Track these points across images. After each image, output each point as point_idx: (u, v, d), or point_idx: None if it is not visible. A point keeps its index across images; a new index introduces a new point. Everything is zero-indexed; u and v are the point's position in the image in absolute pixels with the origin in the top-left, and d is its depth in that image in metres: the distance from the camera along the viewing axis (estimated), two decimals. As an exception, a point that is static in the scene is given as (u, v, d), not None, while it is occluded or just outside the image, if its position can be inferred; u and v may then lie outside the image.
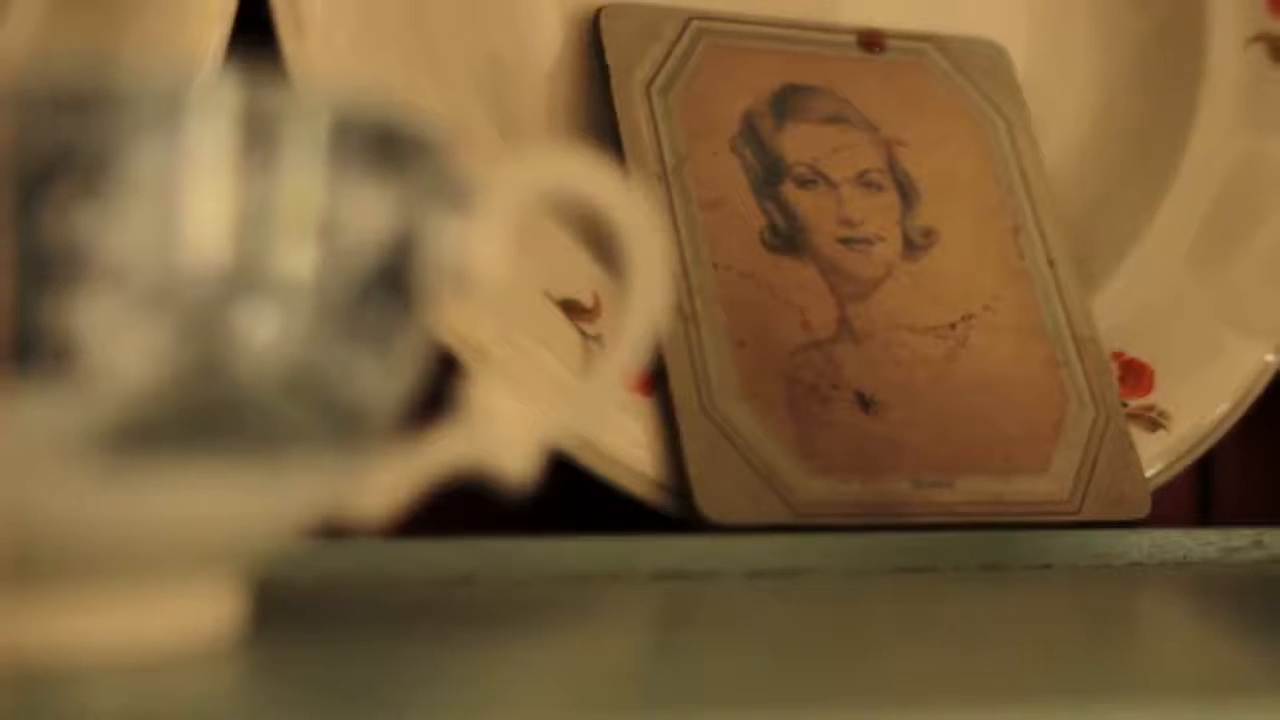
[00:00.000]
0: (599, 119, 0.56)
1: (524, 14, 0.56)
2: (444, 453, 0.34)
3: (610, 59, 0.55)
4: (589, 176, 0.33)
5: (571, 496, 0.54)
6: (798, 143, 0.57)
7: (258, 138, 0.29)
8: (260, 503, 0.30)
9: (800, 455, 0.52)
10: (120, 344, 0.27)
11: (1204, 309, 0.61)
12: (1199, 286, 0.62)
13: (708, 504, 0.50)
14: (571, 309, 0.51)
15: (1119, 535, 0.55)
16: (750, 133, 0.56)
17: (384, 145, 0.30)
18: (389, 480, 0.33)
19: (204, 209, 0.28)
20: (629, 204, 0.33)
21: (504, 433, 0.34)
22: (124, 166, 0.27)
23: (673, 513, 0.51)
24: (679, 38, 0.57)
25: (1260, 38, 0.63)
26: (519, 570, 0.47)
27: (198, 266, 0.28)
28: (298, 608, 0.38)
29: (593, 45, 0.56)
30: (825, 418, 0.52)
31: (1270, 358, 0.61)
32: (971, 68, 0.61)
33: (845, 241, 0.56)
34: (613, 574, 0.48)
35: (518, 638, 0.34)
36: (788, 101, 0.57)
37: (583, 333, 0.51)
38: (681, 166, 0.54)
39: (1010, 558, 0.53)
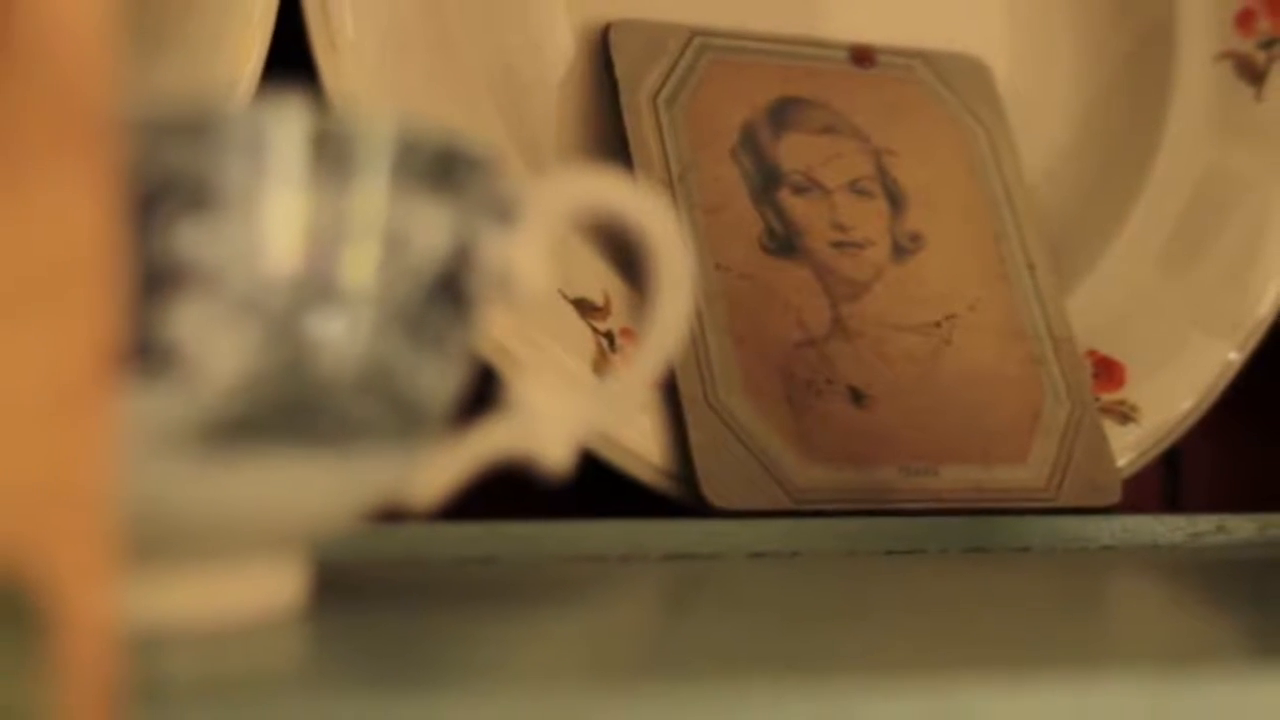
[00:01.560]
0: (607, 129, 0.58)
1: (538, 29, 0.58)
2: (489, 443, 0.37)
3: (619, 72, 0.57)
4: (620, 194, 0.36)
5: (586, 483, 0.56)
6: (793, 152, 0.59)
7: (332, 161, 0.32)
8: (330, 489, 0.33)
9: (797, 445, 0.54)
10: (215, 346, 0.30)
11: (1172, 310, 0.63)
12: (1168, 289, 0.63)
13: (712, 490, 0.52)
14: (584, 307, 0.54)
15: (1092, 520, 0.57)
16: (749, 142, 0.58)
17: (442, 166, 0.33)
18: (440, 469, 0.36)
19: (286, 225, 0.31)
20: (657, 220, 0.36)
21: (544, 425, 0.37)
22: (218, 188, 0.30)
23: (679, 498, 0.53)
24: (683, 52, 0.59)
25: (1228, 55, 0.65)
26: (539, 551, 0.49)
27: (280, 277, 0.31)
28: (351, 584, 0.41)
29: (602, 59, 0.58)
30: (820, 410, 0.55)
31: (1233, 356, 0.63)
32: (956, 82, 0.63)
33: (838, 245, 0.58)
34: (625, 555, 0.50)
35: (540, 611, 0.36)
36: (784, 113, 0.59)
37: (594, 329, 0.54)
38: (686, 174, 0.57)
39: (992, 541, 0.55)
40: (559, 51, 0.59)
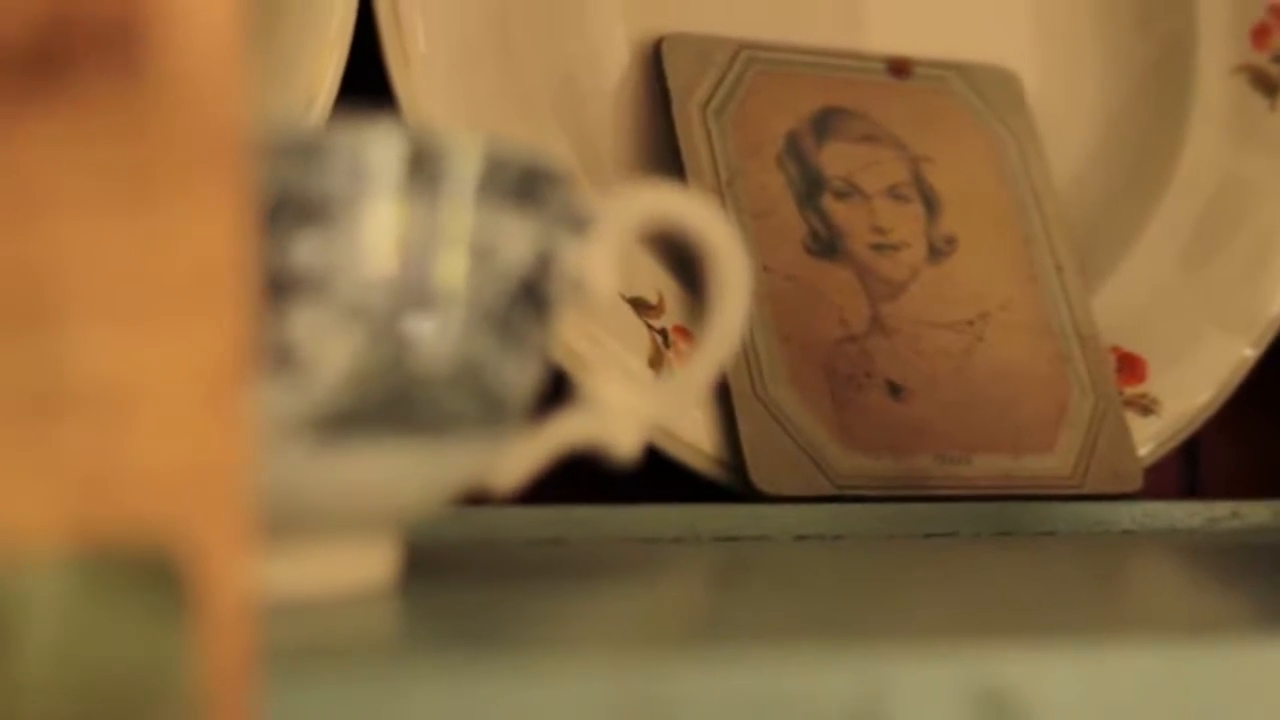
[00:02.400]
0: (659, 137, 0.61)
1: (595, 41, 0.61)
2: (565, 433, 0.39)
3: (671, 84, 0.60)
4: (685, 207, 0.39)
5: (644, 471, 0.59)
6: (835, 159, 0.61)
7: (428, 178, 0.34)
8: (424, 475, 0.36)
9: (839, 435, 0.57)
10: (326, 347, 0.33)
11: (1191, 308, 0.65)
12: (1187, 289, 0.65)
13: (759, 477, 0.55)
14: (639, 306, 0.56)
15: (1115, 506, 0.58)
16: (793, 150, 0.61)
17: (525, 182, 0.36)
18: (520, 456, 0.39)
19: (386, 237, 0.34)
20: (718, 231, 0.39)
21: (614, 417, 0.39)
22: (327, 204, 0.33)
23: (730, 485, 0.56)
24: (731, 65, 0.61)
25: (1244, 68, 0.67)
26: (602, 533, 0.52)
27: (381, 284, 0.34)
28: (436, 562, 0.44)
29: (655, 71, 0.61)
30: (860, 403, 0.57)
31: (1249, 351, 0.65)
32: (988, 92, 0.65)
33: (877, 248, 0.60)
34: (679, 537, 0.53)
35: (601, 588, 0.38)
36: (826, 122, 0.62)
37: (650, 327, 0.56)
38: (734, 180, 0.59)
39: (1020, 526, 0.57)
40: (615, 63, 0.61)
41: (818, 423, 0.56)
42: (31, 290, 0.28)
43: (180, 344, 0.28)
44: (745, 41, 0.62)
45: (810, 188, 0.60)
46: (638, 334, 0.56)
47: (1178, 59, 0.68)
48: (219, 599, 0.28)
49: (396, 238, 0.34)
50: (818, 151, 0.61)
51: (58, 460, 0.27)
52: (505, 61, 0.57)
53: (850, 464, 0.56)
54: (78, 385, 0.27)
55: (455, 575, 0.41)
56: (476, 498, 0.42)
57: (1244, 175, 0.66)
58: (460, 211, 0.35)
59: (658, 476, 0.58)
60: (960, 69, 0.65)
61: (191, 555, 0.28)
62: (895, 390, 0.58)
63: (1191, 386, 0.64)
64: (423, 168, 0.34)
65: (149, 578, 0.27)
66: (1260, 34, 0.67)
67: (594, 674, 0.29)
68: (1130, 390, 0.64)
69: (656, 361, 0.55)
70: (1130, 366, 0.64)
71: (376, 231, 0.34)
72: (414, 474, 0.35)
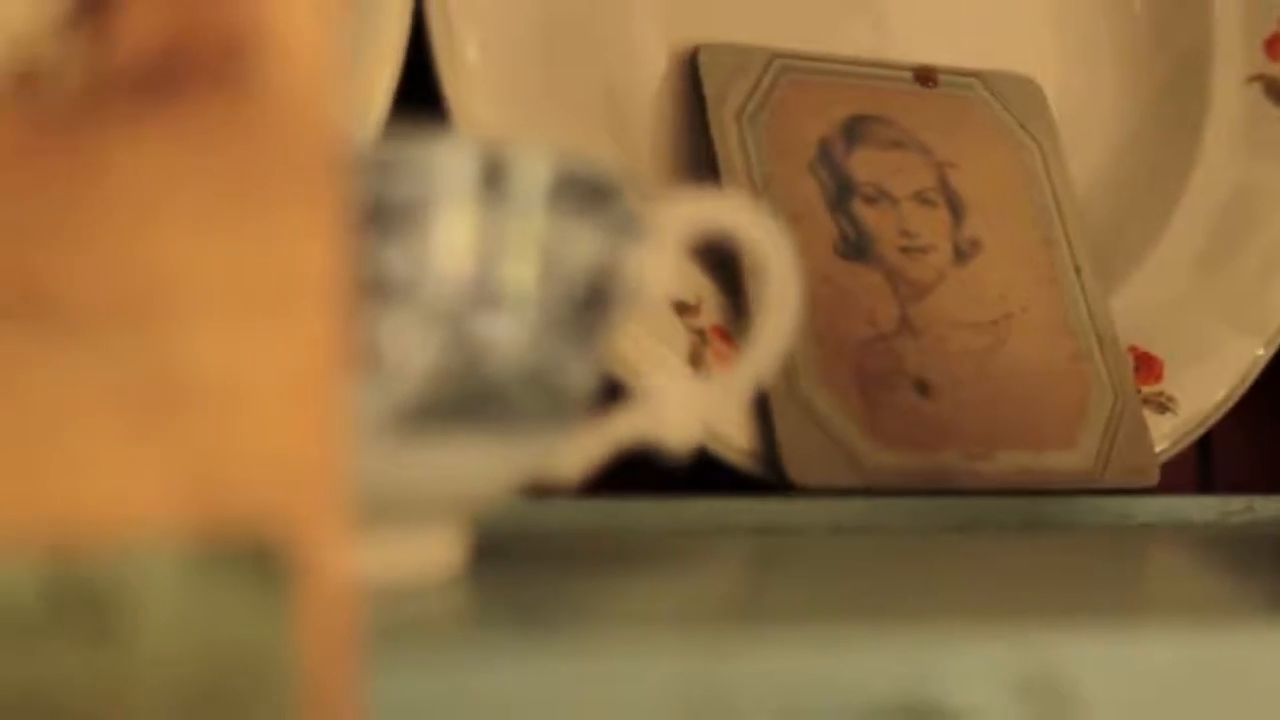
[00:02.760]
0: (696, 143, 0.63)
1: (634, 52, 0.63)
2: (624, 428, 0.41)
3: (707, 92, 0.62)
4: (737, 214, 0.41)
5: (686, 465, 0.61)
6: (864, 165, 0.63)
7: (498, 187, 0.36)
8: (494, 467, 0.38)
9: (869, 432, 0.58)
10: (406, 348, 0.35)
11: (1206, 309, 0.67)
12: (1202, 291, 0.67)
13: (795, 471, 0.57)
14: (679, 308, 0.58)
15: (1133, 501, 0.60)
16: (825, 157, 0.63)
17: (590, 192, 0.38)
18: (582, 449, 0.41)
19: (461, 245, 0.36)
20: (770, 238, 0.41)
21: (670, 414, 0.41)
22: (407, 213, 0.35)
23: (766, 478, 0.58)
24: (764, 73, 0.63)
25: (1258, 78, 0.69)
26: (646, 524, 0.54)
27: (457, 288, 0.36)
28: (498, 549, 0.46)
29: (691, 79, 0.63)
30: (889, 401, 0.59)
31: (1261, 351, 0.67)
32: (1011, 100, 0.67)
33: (905, 250, 0.62)
34: (720, 528, 0.55)
35: (649, 573, 0.40)
36: (856, 130, 0.64)
37: (689, 328, 0.58)
38: (768, 185, 0.61)
39: (1042, 519, 0.59)
40: (653, 71, 0.63)
41: (849, 419, 0.58)
42: (147, 293, 0.29)
43: (283, 345, 0.30)
44: (778, 51, 0.64)
45: (840, 192, 0.62)
46: (677, 335, 0.57)
47: (1193, 69, 0.70)
48: (320, 584, 0.30)
49: (470, 245, 0.36)
50: (847, 158, 0.63)
51: (171, 453, 0.29)
52: (551, 70, 0.59)
53: (880, 459, 0.58)
54: (190, 383, 0.29)
55: (512, 562, 0.42)
56: (538, 490, 0.44)
57: (1257, 183, 0.68)
58: (530, 219, 0.36)
59: (697, 470, 0.60)
60: (984, 78, 0.67)
61: (294, 542, 0.29)
62: (923, 389, 0.60)
63: (1206, 385, 0.66)
64: (494, 178, 0.36)
65: (255, 563, 0.29)
66: (1273, 44, 0.69)
67: (657, 653, 0.31)
68: (1147, 388, 0.65)
69: (695, 361, 0.57)
70: (1147, 365, 0.66)
71: (452, 239, 0.35)
72: (486, 466, 0.37)
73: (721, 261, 0.59)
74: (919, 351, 0.60)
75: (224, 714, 0.29)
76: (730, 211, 0.41)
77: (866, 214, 0.62)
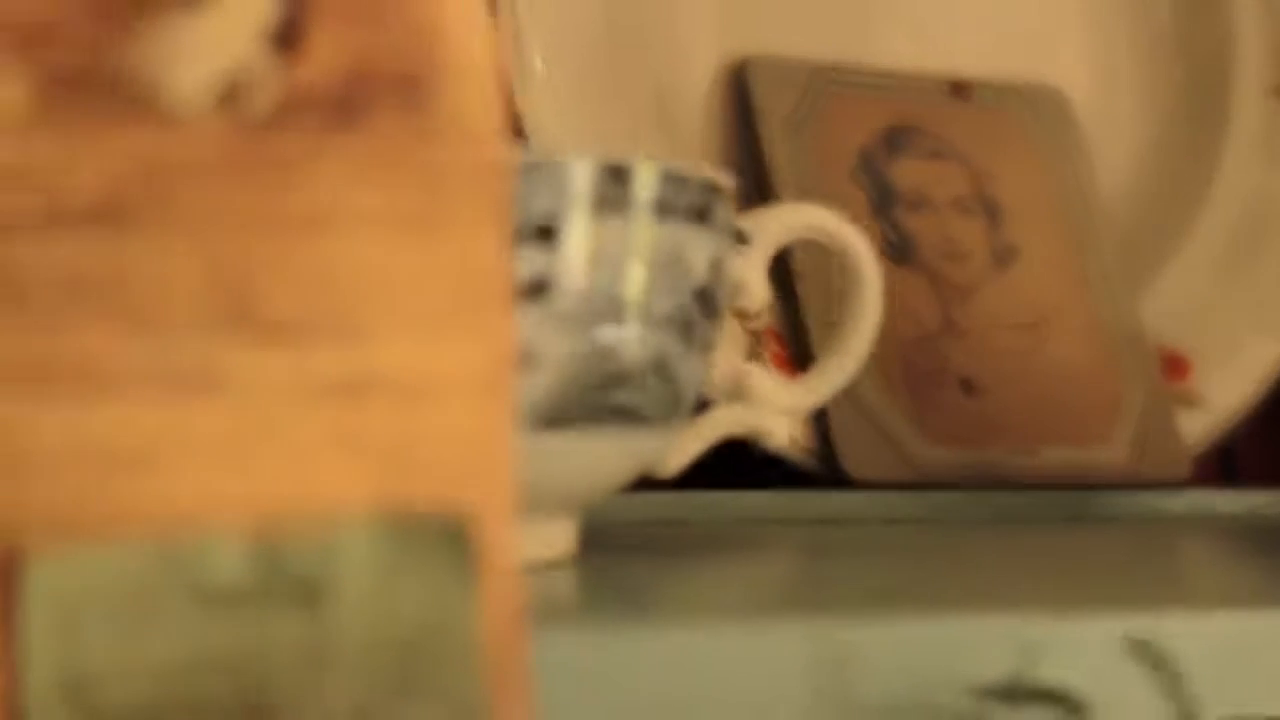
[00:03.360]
0: (744, 151, 0.65)
1: (686, 63, 0.65)
2: (726, 423, 0.44)
3: (755, 103, 0.64)
4: (830, 221, 0.44)
5: (746, 460, 0.63)
6: (905, 174, 0.66)
7: (618, 197, 0.39)
8: (616, 460, 0.40)
9: (919, 428, 0.61)
10: (543, 348, 0.38)
11: (1231, 312, 0.69)
12: (1226, 294, 0.69)
13: (850, 466, 0.59)
14: (737, 311, 0.61)
15: (1166, 495, 0.63)
16: (867, 165, 0.65)
17: (702, 200, 0.40)
18: (687, 443, 0.44)
19: (587, 251, 0.38)
20: (861, 243, 0.44)
21: (768, 410, 0.44)
22: (546, 221, 0.38)
23: (822, 473, 0.60)
24: (809, 85, 0.66)
25: (1277, 90, 0.72)
26: (715, 515, 0.56)
27: (584, 292, 0.38)
28: (601, 538, 0.48)
29: (739, 90, 0.65)
30: (937, 399, 0.62)
31: None
32: (1042, 111, 0.70)
33: (946, 256, 0.65)
34: (782, 519, 0.57)
35: (717, 561, 0.43)
36: (896, 140, 0.66)
37: (745, 329, 0.61)
38: (814, 193, 0.64)
39: (1080, 510, 0.62)
40: (703, 80, 0.65)
41: (900, 417, 0.60)
42: (344, 300, 0.32)
43: (467, 346, 0.32)
44: (822, 65, 0.66)
45: (883, 200, 0.65)
46: (737, 335, 0.60)
47: (1213, 80, 0.72)
48: (497, 561, 0.32)
49: (595, 252, 0.38)
50: (889, 167, 0.65)
51: (365, 442, 0.32)
52: (612, 80, 0.61)
53: (929, 455, 0.61)
54: (384, 383, 0.32)
55: (605, 549, 0.45)
56: (645, 483, 0.47)
57: (1276, 191, 0.71)
58: (648, 227, 0.39)
59: (758, 465, 0.63)
60: (1016, 90, 0.70)
61: (476, 524, 0.32)
62: (968, 387, 0.63)
63: (1232, 383, 0.69)
64: (614, 188, 0.39)
65: (442, 542, 0.32)
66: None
67: (783, 633, 0.34)
68: (1177, 387, 0.68)
69: (752, 362, 0.60)
70: (1176, 365, 0.68)
71: (579, 246, 0.38)
72: (607, 461, 0.40)
73: (773, 267, 0.62)
74: (963, 352, 0.63)
75: (415, 675, 0.31)
76: (824, 218, 0.43)
77: (909, 221, 0.65)
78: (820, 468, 0.60)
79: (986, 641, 0.35)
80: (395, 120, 0.32)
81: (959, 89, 0.69)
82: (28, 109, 0.32)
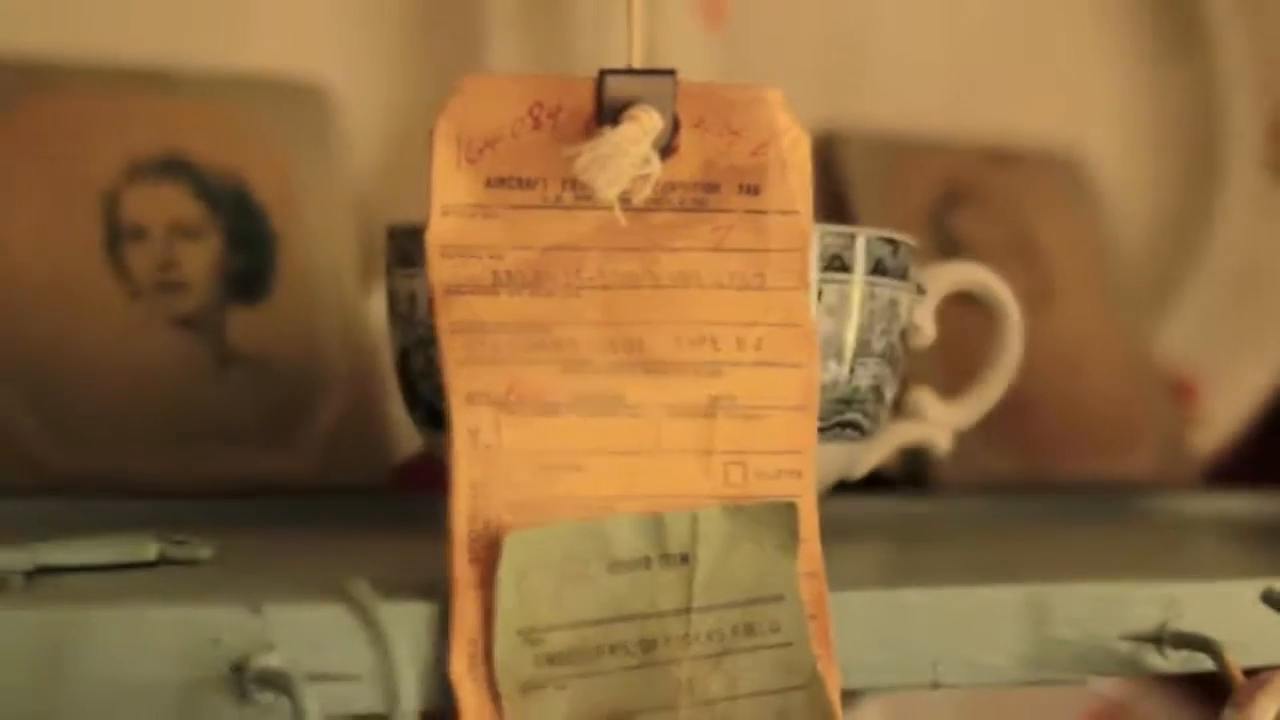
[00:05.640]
0: (832, 208, 0.75)
1: None
2: (903, 435, 0.54)
3: (843, 168, 0.73)
4: (983, 275, 0.54)
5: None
6: (961, 226, 0.77)
7: (844, 262, 0.49)
8: (842, 462, 0.50)
9: (985, 439, 0.72)
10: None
11: (1230, 346, 0.81)
12: (1226, 331, 0.81)
13: (935, 472, 0.70)
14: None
15: (1183, 498, 0.74)
16: (933, 220, 0.76)
17: (901, 257, 0.51)
18: (874, 451, 0.54)
19: (821, 305, 0.48)
20: (1006, 293, 0.54)
21: (935, 424, 0.54)
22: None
23: (907, 478, 0.70)
24: (885, 153, 0.75)
25: (1265, 160, 0.83)
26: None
27: (826, 334, 0.48)
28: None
29: (826, 160, 0.75)
30: (999, 417, 0.72)
31: (1273, 379, 0.81)
32: (1068, 174, 0.80)
33: None
34: (860, 517, 0.66)
35: (867, 547, 0.53)
36: (954, 198, 0.77)
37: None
38: None
39: (1116, 511, 0.72)
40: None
41: (970, 432, 0.71)
42: (702, 340, 0.42)
43: (788, 376, 0.42)
44: (895, 135, 0.76)
45: (945, 248, 0.75)
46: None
47: (1216, 154, 0.84)
48: (808, 535, 0.42)
49: (829, 302, 0.49)
50: (948, 221, 0.76)
51: (718, 447, 0.42)
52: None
53: (994, 464, 0.72)
54: (732, 406, 0.42)
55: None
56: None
57: (1267, 245, 0.82)
58: (865, 284, 0.49)
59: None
60: (1045, 155, 0.81)
61: (791, 507, 0.42)
62: (1024, 409, 0.73)
63: (1232, 405, 0.81)
64: (838, 250, 0.49)
65: (769, 520, 0.41)
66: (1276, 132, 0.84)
67: (1000, 591, 0.44)
68: (1188, 408, 0.79)
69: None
70: (1187, 390, 0.80)
71: (816, 296, 0.48)
72: (836, 462, 0.50)
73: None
74: (1018, 379, 0.74)
75: (754, 614, 0.41)
76: (979, 273, 0.54)
77: None
78: (903, 474, 0.70)
79: (1138, 599, 0.46)
80: (739, 204, 0.42)
81: (1000, 156, 0.79)
82: (475, 199, 0.41)
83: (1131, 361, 0.77)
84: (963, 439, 0.68)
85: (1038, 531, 0.63)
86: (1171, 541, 0.62)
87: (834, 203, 0.75)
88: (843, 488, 0.59)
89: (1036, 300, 0.76)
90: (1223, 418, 0.81)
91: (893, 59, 0.78)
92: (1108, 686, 0.73)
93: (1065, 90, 0.82)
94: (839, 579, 0.42)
